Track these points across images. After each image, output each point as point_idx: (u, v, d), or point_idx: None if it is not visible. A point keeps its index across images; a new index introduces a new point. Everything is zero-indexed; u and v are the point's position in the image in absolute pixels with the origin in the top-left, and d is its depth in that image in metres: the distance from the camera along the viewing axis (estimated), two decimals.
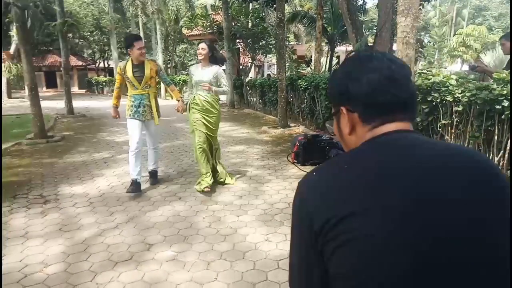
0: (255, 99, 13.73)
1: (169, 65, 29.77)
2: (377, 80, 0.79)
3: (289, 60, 17.27)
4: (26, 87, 8.48)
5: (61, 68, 24.77)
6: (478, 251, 0.65)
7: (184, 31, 20.00)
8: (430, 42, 40.70)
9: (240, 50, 16.82)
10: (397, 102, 0.79)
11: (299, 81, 8.94)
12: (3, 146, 7.26)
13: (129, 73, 4.27)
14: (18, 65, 18.90)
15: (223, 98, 17.79)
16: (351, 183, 0.72)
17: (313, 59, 17.35)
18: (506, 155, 3.74)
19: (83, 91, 32.93)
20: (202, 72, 4.39)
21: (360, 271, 0.66)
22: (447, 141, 4.37)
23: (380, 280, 0.65)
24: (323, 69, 18.47)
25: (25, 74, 7.92)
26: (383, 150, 0.77)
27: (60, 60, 24.87)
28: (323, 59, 21.25)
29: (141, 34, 24.84)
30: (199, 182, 4.44)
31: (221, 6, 14.46)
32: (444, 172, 0.71)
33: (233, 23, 15.16)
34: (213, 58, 4.41)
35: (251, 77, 16.63)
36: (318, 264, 0.73)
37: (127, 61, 4.33)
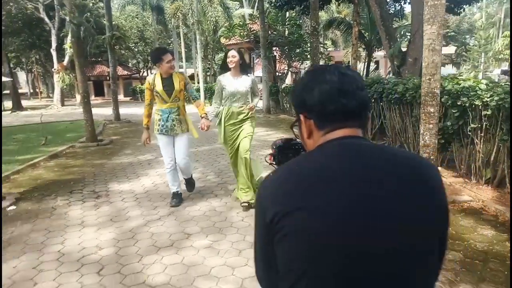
0: (290, 105, 13.97)
1: (208, 73, 30.78)
2: (328, 91, 0.88)
3: None
4: (77, 96, 9.29)
5: (108, 78, 26.40)
6: (406, 241, 0.77)
7: (222, 40, 20.69)
8: (475, 46, 39.03)
9: (277, 58, 17.16)
10: (347, 111, 0.88)
11: None
12: (60, 149, 8.03)
13: (159, 86, 4.08)
14: (71, 75, 20.42)
15: (259, 104, 18.23)
16: (298, 183, 0.82)
17: (350, 65, 17.37)
18: None
19: (127, 98, 34.69)
20: (236, 83, 4.11)
21: (299, 254, 0.78)
22: (477, 144, 4.41)
23: (315, 257, 0.76)
24: (361, 74, 18.41)
25: (79, 83, 8.71)
26: (329, 154, 0.86)
27: (107, 70, 26.56)
28: (360, 65, 21.21)
29: (182, 44, 25.95)
30: (241, 191, 4.21)
31: (258, 15, 14.90)
32: (381, 176, 0.80)
33: (269, 31, 15.55)
34: (243, 67, 4.19)
35: (286, 84, 16.88)
36: (272, 252, 0.83)
37: (155, 75, 4.15)
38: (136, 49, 32.32)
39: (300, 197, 0.80)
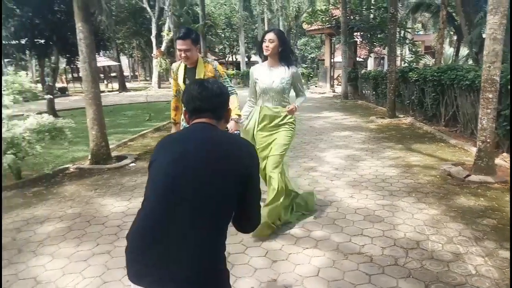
0: (368, 91, 14.12)
1: None
2: (189, 97, 1.51)
3: (409, 52, 16.93)
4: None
5: None
6: (202, 185, 1.32)
7: (305, 26, 21.13)
8: None
9: (358, 43, 17.17)
10: (201, 108, 1.49)
11: (410, 73, 9.23)
12: (161, 124, 9.56)
13: (180, 78, 3.41)
14: (167, 60, 22.71)
15: (337, 90, 18.44)
16: (163, 143, 1.48)
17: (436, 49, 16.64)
18: None
19: None
20: (271, 75, 3.24)
21: (150, 182, 1.40)
22: None
23: (156, 181, 1.37)
24: (450, 60, 17.52)
25: None
26: (187, 130, 1.54)
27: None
28: (451, 50, 20.02)
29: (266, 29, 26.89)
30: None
31: (341, 0, 15.08)
32: (201, 144, 1.41)
33: (351, 16, 15.64)
34: (284, 55, 3.23)
35: (365, 70, 16.86)
36: None
37: (180, 63, 3.43)
38: (223, 35, 34.19)
39: (158, 151, 1.46)
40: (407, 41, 15.90)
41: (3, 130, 4.57)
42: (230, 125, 3.22)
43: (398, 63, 17.03)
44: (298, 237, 3.23)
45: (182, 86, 3.34)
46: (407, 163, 5.41)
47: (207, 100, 1.49)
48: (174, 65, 3.51)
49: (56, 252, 3.10)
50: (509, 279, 2.50)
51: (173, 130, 3.62)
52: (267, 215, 3.13)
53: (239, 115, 3.36)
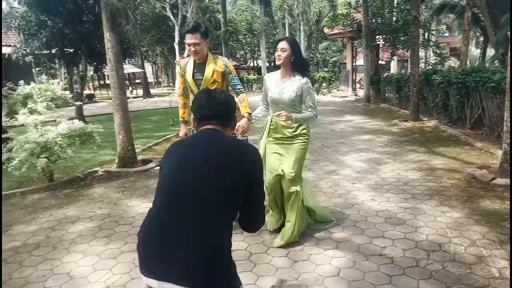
0: (391, 94, 13.95)
1: (311, 62, 31.35)
2: (197, 105, 1.66)
3: (433, 54, 16.62)
4: None
5: None
6: (203, 183, 1.43)
7: (326, 30, 21.09)
8: None
9: (380, 46, 17.01)
10: (208, 116, 1.62)
11: (434, 75, 9.10)
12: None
13: (189, 74, 3.31)
14: None
15: (359, 93, 18.28)
16: (172, 148, 1.64)
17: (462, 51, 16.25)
18: None
19: None
20: (282, 86, 3.12)
21: (159, 182, 1.53)
22: None
23: (165, 182, 1.51)
24: (476, 62, 17.06)
25: None
26: (194, 136, 1.73)
27: None
28: (477, 51, 19.49)
29: (287, 35, 27.01)
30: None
31: (362, 4, 15.00)
32: (206, 147, 1.54)
33: (373, 19, 15.52)
34: (297, 64, 3.10)
35: (388, 73, 16.66)
36: None
37: (189, 58, 3.35)
38: (244, 41, 34.48)
39: (167, 155, 1.61)
40: (431, 43, 15.62)
41: (36, 135, 4.83)
42: (242, 122, 3.16)
43: (422, 65, 16.77)
44: (319, 238, 3.28)
45: (190, 81, 3.30)
46: (431, 166, 5.35)
47: (213, 108, 1.63)
48: (182, 61, 3.41)
49: (87, 250, 3.27)
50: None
51: (182, 130, 3.59)
52: (288, 234, 3.12)
53: (250, 114, 3.27)
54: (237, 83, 3.42)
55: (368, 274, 2.67)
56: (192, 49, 3.13)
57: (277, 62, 3.09)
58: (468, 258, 2.81)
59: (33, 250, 3.33)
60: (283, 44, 3.04)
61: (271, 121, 3.21)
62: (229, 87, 3.43)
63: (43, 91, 5.51)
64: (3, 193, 4.90)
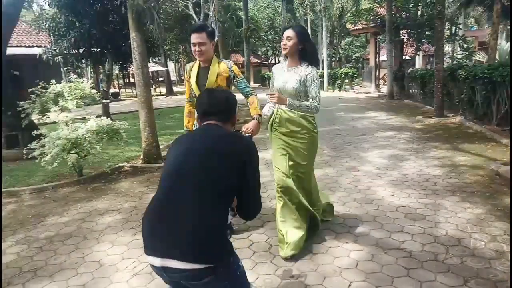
0: (416, 90, 13.70)
1: (333, 59, 31.10)
2: (199, 103, 1.87)
3: (459, 49, 16.19)
4: None
5: (240, 66, 29.09)
6: (197, 177, 1.57)
7: (348, 25, 20.86)
8: None
9: (404, 41, 16.69)
10: (209, 112, 1.80)
11: (459, 71, 8.89)
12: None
13: (193, 78, 3.18)
14: None
15: (383, 89, 18.01)
16: (177, 141, 1.79)
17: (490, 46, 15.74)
18: None
19: (257, 85, 37.49)
20: (285, 76, 2.97)
21: (164, 169, 1.71)
22: None
23: (167, 169, 1.67)
24: (507, 56, 16.43)
25: None
26: (197, 129, 1.95)
27: (241, 59, 29.25)
28: (507, 45, 18.78)
29: (308, 31, 26.83)
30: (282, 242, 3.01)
31: None
32: (206, 138, 1.72)
33: (397, 14, 15.25)
34: (305, 54, 2.94)
35: (412, 68, 16.32)
36: None
37: (195, 62, 3.22)
38: (266, 38, 34.52)
39: (172, 146, 1.77)
40: (458, 38, 15.20)
41: (67, 132, 5.07)
42: (251, 125, 2.94)
43: (449, 60, 16.33)
44: (338, 232, 3.34)
45: (194, 87, 3.15)
46: (453, 162, 5.29)
47: (214, 105, 1.81)
48: (188, 66, 3.29)
49: (116, 240, 3.45)
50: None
51: None
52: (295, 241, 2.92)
53: (260, 115, 3.08)
54: (244, 86, 3.22)
55: (386, 267, 2.71)
56: (197, 49, 3.00)
57: (283, 52, 2.94)
58: (488, 253, 2.80)
59: (66, 239, 3.54)
60: (288, 32, 2.86)
61: (276, 114, 3.04)
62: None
63: (73, 90, 5.77)
64: (37, 186, 5.19)
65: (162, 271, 1.53)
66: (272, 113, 3.10)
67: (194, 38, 2.97)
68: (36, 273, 2.96)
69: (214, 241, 1.52)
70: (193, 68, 3.20)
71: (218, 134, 1.74)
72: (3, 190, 5.05)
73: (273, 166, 3.09)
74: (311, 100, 2.90)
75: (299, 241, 2.93)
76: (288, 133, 2.99)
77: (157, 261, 1.52)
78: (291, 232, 2.95)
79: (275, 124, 3.05)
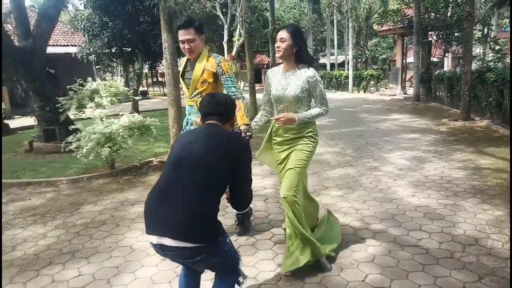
0: (443, 93, 13.47)
1: (359, 60, 30.80)
2: (201, 105, 2.09)
3: (491, 51, 15.77)
4: (240, 82, 11.28)
5: (265, 66, 29.27)
6: (194, 168, 1.82)
7: (375, 26, 20.66)
8: None
9: (432, 43, 16.42)
10: (209, 113, 2.03)
11: (488, 73, 8.74)
12: None
13: (181, 73, 3.13)
14: (237, 64, 23.69)
15: (409, 91, 17.74)
16: (183, 134, 2.21)
17: None
18: None
19: None
20: (285, 81, 2.73)
21: (167, 160, 1.98)
22: None
23: (170, 160, 1.93)
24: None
25: (248, 72, 10.73)
26: (197, 128, 2.27)
27: (266, 59, 29.47)
28: None
29: (335, 32, 26.73)
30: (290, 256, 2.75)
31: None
32: (204, 136, 1.93)
33: (425, 15, 15.02)
34: (299, 57, 2.68)
35: (439, 70, 16.02)
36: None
37: (186, 58, 3.11)
38: None
39: (178, 140, 2.06)
40: (489, 39, 14.81)
41: (102, 127, 5.39)
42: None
43: (480, 62, 15.90)
44: (356, 228, 3.45)
45: (181, 81, 3.08)
46: (477, 165, 5.27)
47: (214, 107, 2.04)
48: (181, 60, 3.19)
49: None
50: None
51: None
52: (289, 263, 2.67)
53: (247, 124, 2.91)
54: (231, 85, 2.99)
55: (402, 262, 2.82)
56: (187, 46, 2.86)
57: (277, 55, 2.70)
58: (505, 253, 2.86)
59: (100, 226, 3.82)
60: (282, 34, 2.63)
61: (274, 125, 2.85)
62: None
63: (108, 87, 6.09)
64: (73, 177, 5.54)
65: (160, 249, 1.78)
66: (269, 121, 2.97)
67: (182, 35, 2.84)
68: (74, 254, 3.23)
69: (204, 225, 1.76)
70: (183, 62, 3.14)
71: (217, 132, 1.98)
72: (42, 179, 5.44)
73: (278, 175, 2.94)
74: (319, 105, 2.73)
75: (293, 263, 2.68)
76: (286, 142, 2.80)
77: (154, 239, 1.76)
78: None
79: (273, 134, 2.89)
